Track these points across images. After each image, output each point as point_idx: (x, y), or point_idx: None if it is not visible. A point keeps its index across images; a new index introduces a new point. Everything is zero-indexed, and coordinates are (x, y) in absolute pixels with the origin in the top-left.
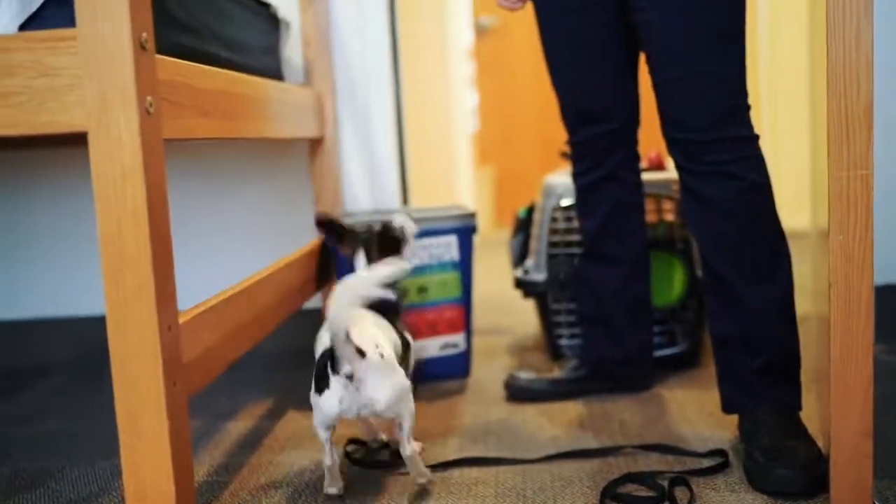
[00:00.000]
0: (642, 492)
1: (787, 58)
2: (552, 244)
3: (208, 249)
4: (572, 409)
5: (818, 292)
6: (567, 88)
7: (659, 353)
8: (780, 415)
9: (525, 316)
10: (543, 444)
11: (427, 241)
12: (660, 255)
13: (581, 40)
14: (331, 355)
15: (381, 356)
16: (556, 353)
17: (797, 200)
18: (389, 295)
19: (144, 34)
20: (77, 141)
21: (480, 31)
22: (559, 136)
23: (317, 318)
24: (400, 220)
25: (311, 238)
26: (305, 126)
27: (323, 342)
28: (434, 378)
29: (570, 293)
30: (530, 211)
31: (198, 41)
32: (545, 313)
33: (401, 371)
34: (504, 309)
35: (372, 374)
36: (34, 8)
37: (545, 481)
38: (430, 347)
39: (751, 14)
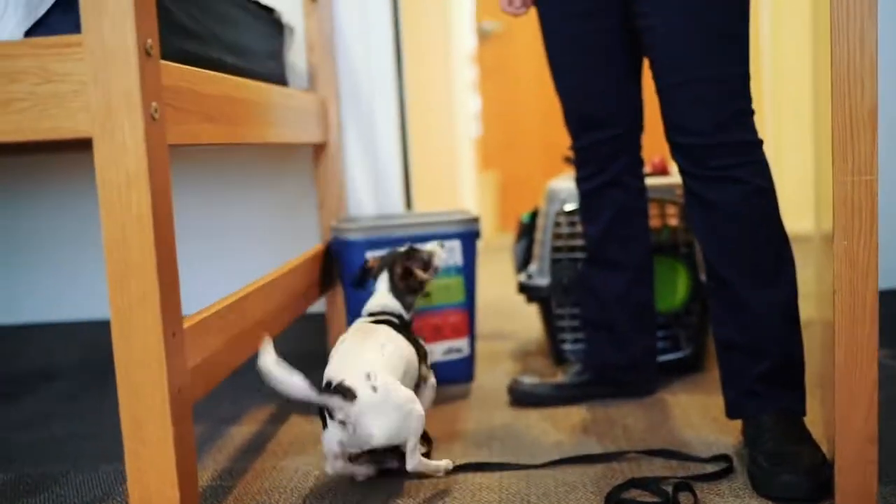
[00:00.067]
0: (646, 497)
1: (791, 62)
2: (555, 249)
3: (212, 254)
4: (576, 414)
5: (822, 297)
6: (570, 94)
7: (663, 357)
8: (784, 420)
9: (528, 321)
10: (547, 450)
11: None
12: (663, 260)
13: (584, 46)
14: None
15: (374, 388)
16: (559, 358)
17: (800, 205)
18: (403, 312)
19: (149, 40)
20: (82, 146)
21: (484, 36)
22: (563, 141)
23: (321, 323)
24: (430, 248)
25: (314, 243)
26: (309, 131)
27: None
28: (437, 382)
29: (573, 298)
30: (534, 216)
31: (202, 47)
32: (549, 318)
33: (398, 395)
34: (507, 314)
35: (365, 413)
36: (39, 14)
37: (549, 487)
38: (434, 352)
39: (754, 20)
